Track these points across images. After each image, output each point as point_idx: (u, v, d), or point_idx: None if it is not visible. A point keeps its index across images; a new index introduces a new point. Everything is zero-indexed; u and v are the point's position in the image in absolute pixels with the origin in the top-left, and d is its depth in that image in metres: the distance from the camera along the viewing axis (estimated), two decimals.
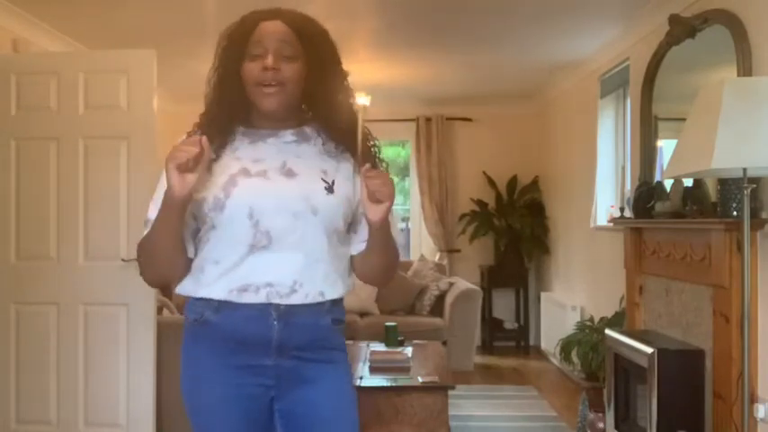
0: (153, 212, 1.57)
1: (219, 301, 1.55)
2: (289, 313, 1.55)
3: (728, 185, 2.91)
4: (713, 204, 3.10)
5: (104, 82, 3.65)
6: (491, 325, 6.76)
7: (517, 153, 6.93)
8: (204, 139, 1.46)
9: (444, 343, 5.28)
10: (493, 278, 6.74)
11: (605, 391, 3.70)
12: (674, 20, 3.54)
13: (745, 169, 2.48)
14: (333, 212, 1.56)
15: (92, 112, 3.66)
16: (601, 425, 3.84)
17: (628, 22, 4.25)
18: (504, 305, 6.91)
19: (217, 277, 1.55)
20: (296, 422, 1.59)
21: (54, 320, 3.67)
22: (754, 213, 2.81)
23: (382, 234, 1.56)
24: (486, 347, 6.71)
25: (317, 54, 1.57)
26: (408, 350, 4.09)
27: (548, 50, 5.01)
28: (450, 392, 3.65)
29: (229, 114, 1.59)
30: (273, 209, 1.53)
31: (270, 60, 1.51)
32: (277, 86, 1.53)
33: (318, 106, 1.61)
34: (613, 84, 4.91)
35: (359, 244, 1.64)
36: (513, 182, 6.88)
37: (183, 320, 1.66)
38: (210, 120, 1.59)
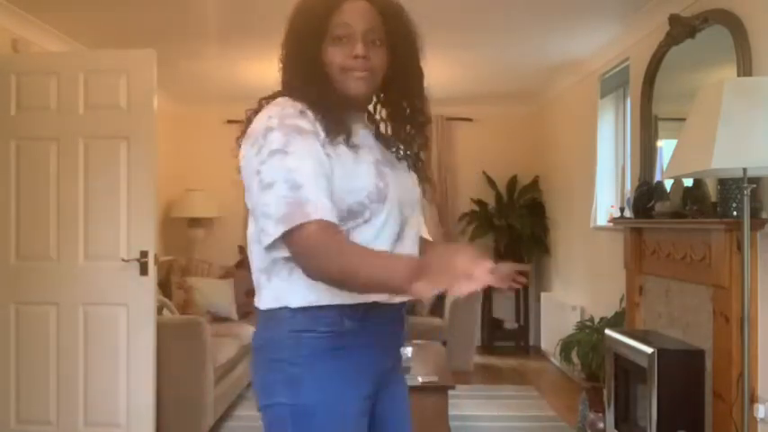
0: (315, 195, 1.29)
1: (370, 304, 1.39)
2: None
3: (728, 185, 2.91)
4: (713, 204, 3.10)
5: (104, 82, 3.65)
6: (491, 325, 6.76)
7: (517, 153, 6.93)
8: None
9: (444, 343, 5.28)
10: None
11: (605, 391, 3.70)
12: (674, 20, 3.54)
13: (745, 169, 2.49)
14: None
15: (92, 112, 3.66)
16: (601, 425, 3.84)
17: (628, 22, 4.25)
18: (504, 305, 6.90)
19: None
20: (380, 423, 1.53)
21: (54, 320, 3.67)
22: (754, 213, 2.81)
23: None
24: (486, 347, 6.71)
25: (400, 38, 1.47)
26: (408, 350, 4.08)
27: (548, 50, 5.01)
28: (450, 392, 3.65)
29: (332, 99, 1.42)
30: (410, 198, 1.49)
31: (360, 49, 1.40)
32: (366, 73, 1.42)
33: (394, 93, 1.51)
34: (613, 84, 4.91)
35: None
36: (513, 182, 6.88)
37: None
38: (321, 105, 1.40)
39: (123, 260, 3.61)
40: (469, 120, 7.03)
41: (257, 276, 1.44)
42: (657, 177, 3.86)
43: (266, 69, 5.73)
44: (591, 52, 4.97)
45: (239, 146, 1.42)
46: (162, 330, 3.69)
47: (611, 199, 5.03)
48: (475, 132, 7.04)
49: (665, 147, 3.89)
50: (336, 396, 1.39)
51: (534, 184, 6.82)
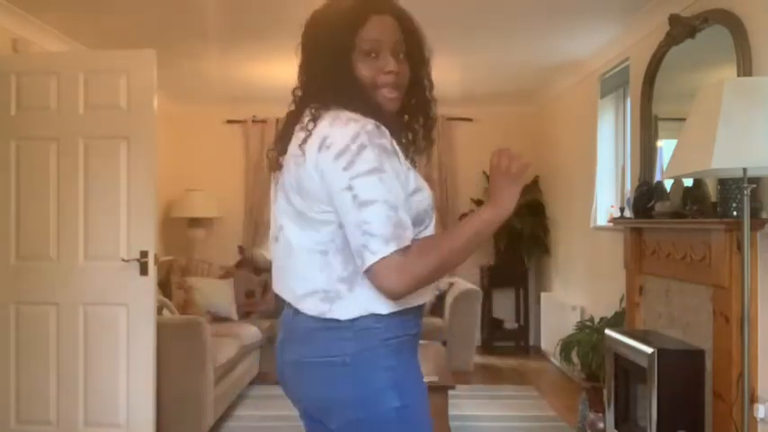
0: (409, 221, 1.37)
1: (422, 305, 1.51)
2: None
3: (728, 185, 2.91)
4: (713, 204, 3.10)
5: (104, 82, 3.65)
6: (491, 325, 6.76)
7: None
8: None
9: (444, 343, 5.28)
10: (493, 278, 6.74)
11: (605, 391, 3.70)
12: (674, 20, 3.54)
13: (745, 169, 2.49)
14: None
15: (92, 112, 3.66)
16: (601, 425, 3.84)
17: (628, 22, 4.25)
18: (504, 305, 6.91)
19: None
20: None
21: (54, 320, 3.67)
22: (754, 213, 2.81)
23: None
24: (486, 347, 6.71)
25: (417, 52, 1.52)
26: None
27: (548, 50, 5.01)
28: (450, 392, 3.65)
29: (385, 114, 1.46)
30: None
31: (393, 64, 1.44)
32: (398, 92, 1.48)
33: (410, 104, 1.56)
34: (613, 84, 4.91)
35: None
36: None
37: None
38: (379, 120, 1.41)
39: (123, 260, 3.61)
40: (469, 120, 7.03)
41: (333, 286, 1.42)
42: (657, 177, 3.86)
43: (266, 70, 5.74)
44: (591, 52, 4.97)
45: (297, 151, 1.41)
46: (162, 330, 3.69)
47: (611, 199, 5.03)
48: (475, 132, 7.04)
49: (665, 147, 3.89)
50: (425, 391, 1.51)
51: (534, 184, 6.82)
